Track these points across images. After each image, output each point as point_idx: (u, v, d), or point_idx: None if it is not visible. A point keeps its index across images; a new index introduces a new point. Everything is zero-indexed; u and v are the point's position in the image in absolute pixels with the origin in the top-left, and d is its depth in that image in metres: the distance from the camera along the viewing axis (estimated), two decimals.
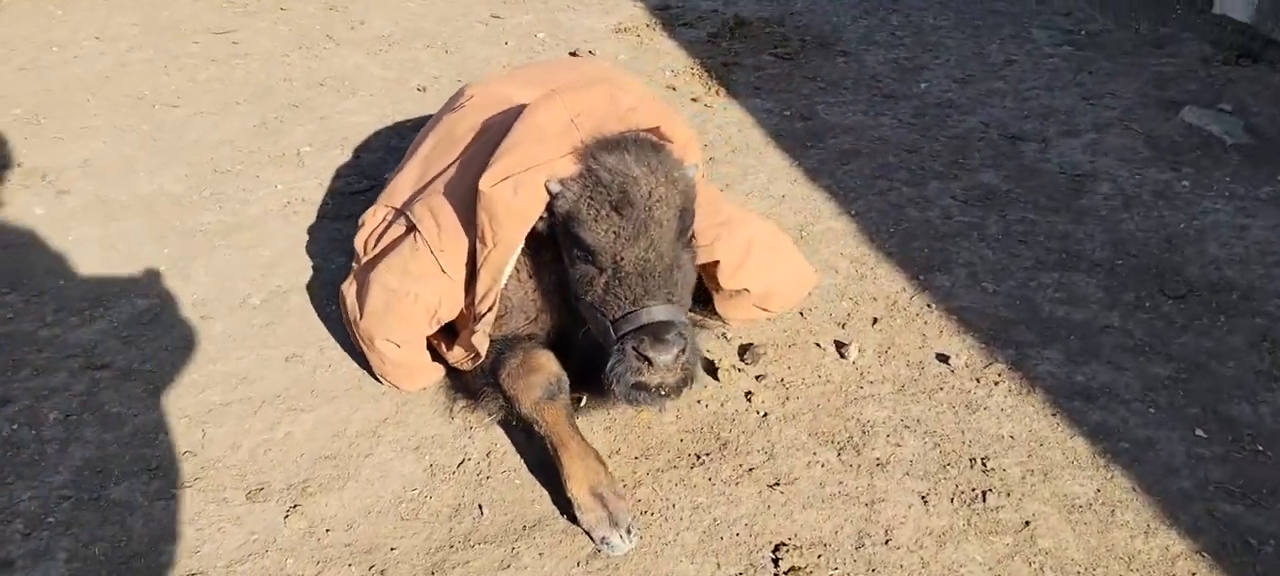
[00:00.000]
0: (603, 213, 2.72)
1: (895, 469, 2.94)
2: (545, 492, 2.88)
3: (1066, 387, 3.23)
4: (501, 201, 2.81)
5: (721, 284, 3.35)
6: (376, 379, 3.27)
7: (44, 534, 2.72)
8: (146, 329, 3.57)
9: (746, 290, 3.37)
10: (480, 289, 2.94)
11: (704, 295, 3.52)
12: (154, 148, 4.90)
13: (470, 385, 3.13)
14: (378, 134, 5.05)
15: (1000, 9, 6.55)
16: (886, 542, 2.70)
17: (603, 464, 2.80)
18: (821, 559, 2.66)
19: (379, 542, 2.72)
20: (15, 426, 3.11)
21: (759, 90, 5.51)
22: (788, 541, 2.71)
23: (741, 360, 3.41)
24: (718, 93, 5.47)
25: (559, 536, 2.74)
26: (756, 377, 3.34)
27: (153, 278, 3.86)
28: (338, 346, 3.46)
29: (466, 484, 2.93)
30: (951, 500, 2.83)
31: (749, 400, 3.23)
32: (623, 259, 2.70)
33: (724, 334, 3.54)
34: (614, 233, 2.71)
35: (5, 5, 6.68)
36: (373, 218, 3.40)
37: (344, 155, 4.86)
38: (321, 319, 3.62)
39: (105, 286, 3.79)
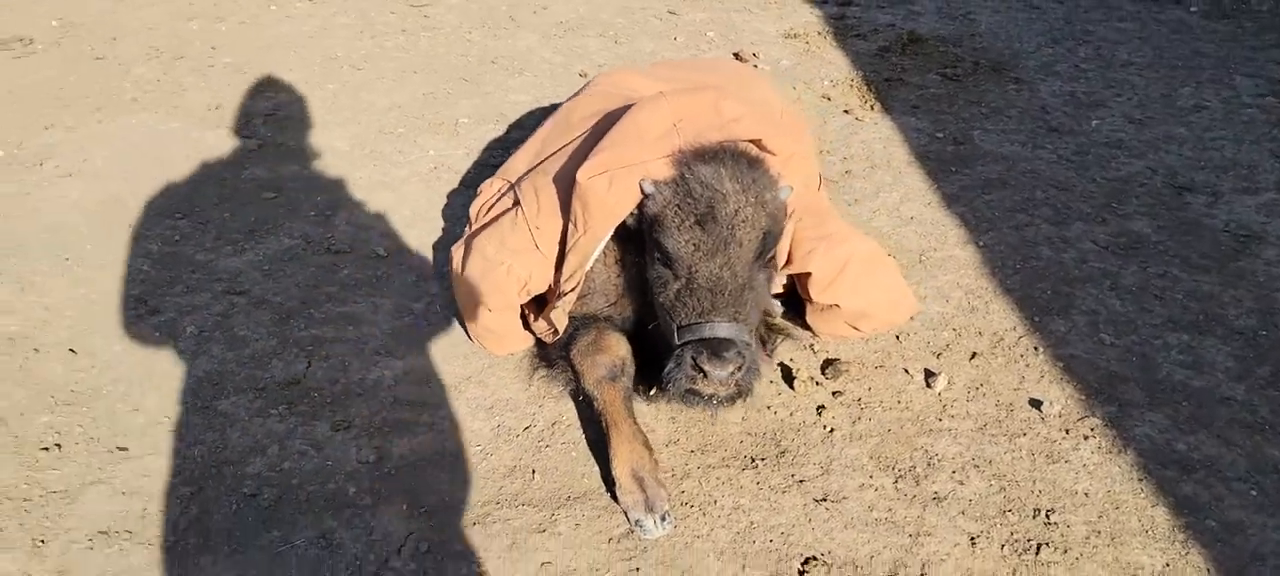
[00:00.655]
0: (687, 223, 2.80)
1: (951, 505, 2.87)
2: (596, 469, 3.00)
3: (1163, 454, 3.03)
4: (595, 194, 2.94)
5: (813, 297, 3.36)
6: (470, 339, 3.48)
7: (157, 430, 3.10)
8: (285, 265, 3.95)
9: (837, 306, 3.36)
10: (567, 270, 3.09)
11: (799, 304, 3.54)
12: (332, 105, 5.36)
13: (549, 357, 3.29)
14: (532, 113, 5.31)
15: (1206, 50, 6.07)
16: (920, 567, 2.65)
17: (649, 450, 2.88)
18: (822, 565, 2.65)
19: (435, 488, 2.93)
20: (157, 334, 3.53)
21: (916, 109, 5.39)
22: (819, 556, 2.71)
23: (822, 374, 3.40)
24: (872, 107, 5.39)
25: (598, 511, 2.86)
26: (833, 393, 3.32)
27: (302, 220, 4.26)
28: (441, 305, 3.71)
29: (526, 448, 3.09)
30: (1002, 547, 2.74)
31: (819, 414, 3.22)
32: (697, 271, 2.78)
33: (812, 346, 3.54)
34: (694, 245, 2.79)
35: None
36: (488, 188, 3.62)
37: (497, 130, 5.15)
38: (436, 277, 3.88)
39: (260, 223, 4.22)
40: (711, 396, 2.82)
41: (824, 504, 2.88)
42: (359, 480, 2.95)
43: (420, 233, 4.21)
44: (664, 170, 2.89)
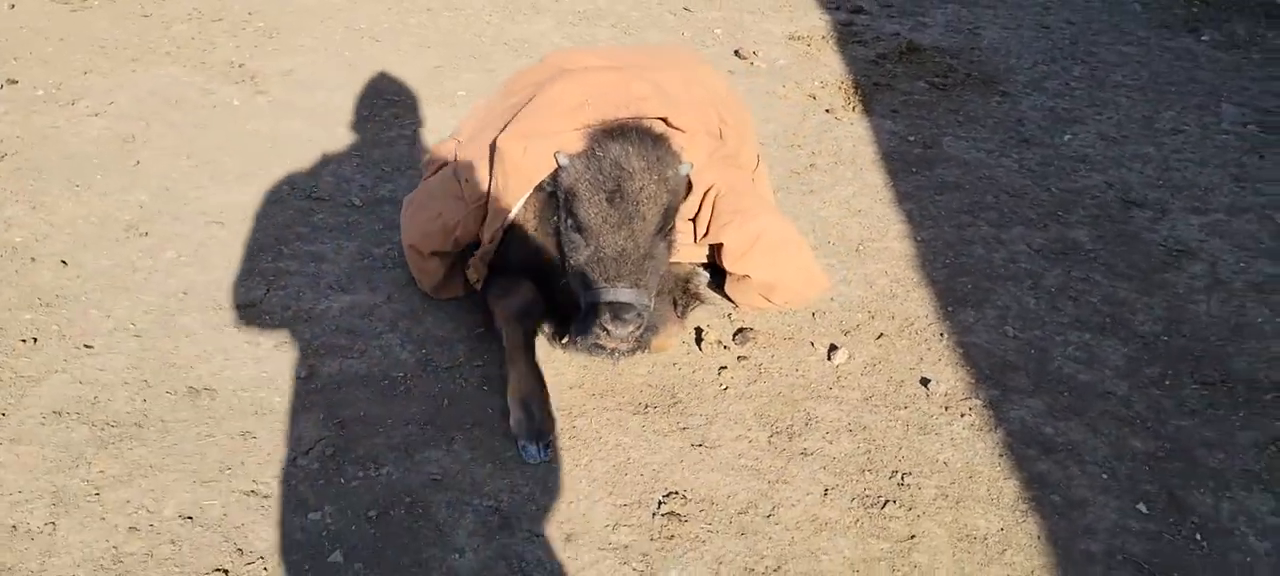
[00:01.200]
0: (597, 198, 3.08)
1: (815, 460, 3.11)
2: (501, 403, 3.30)
3: (1030, 435, 3.22)
4: (511, 158, 3.26)
5: (726, 266, 3.62)
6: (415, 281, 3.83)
7: (121, 334, 3.50)
8: (267, 206, 4.35)
9: (749, 277, 3.61)
10: (487, 224, 3.41)
11: (722, 275, 3.80)
12: (346, 71, 5.77)
13: (477, 302, 3.61)
14: None
15: (1202, 77, 6.14)
16: (768, 516, 2.90)
17: (541, 383, 3.18)
18: (701, 512, 2.91)
19: (352, 404, 3.27)
20: (140, 255, 3.95)
21: (896, 113, 5.59)
22: (680, 491, 2.97)
23: (732, 339, 3.65)
24: (854, 109, 5.61)
25: (494, 437, 3.17)
26: (738, 357, 3.57)
27: (290, 169, 4.65)
28: (400, 251, 4.05)
29: (444, 380, 3.41)
30: (852, 499, 2.97)
31: (719, 373, 3.48)
32: (604, 241, 3.06)
33: (729, 315, 3.79)
34: (603, 217, 3.07)
35: None
36: (440, 148, 3.96)
37: None
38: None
39: (253, 168, 4.63)
40: (613, 350, 3.10)
41: (699, 448, 3.14)
42: (286, 392, 3.30)
43: (396, 187, 4.57)
44: (577, 143, 3.18)
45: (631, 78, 3.38)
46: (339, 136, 5.02)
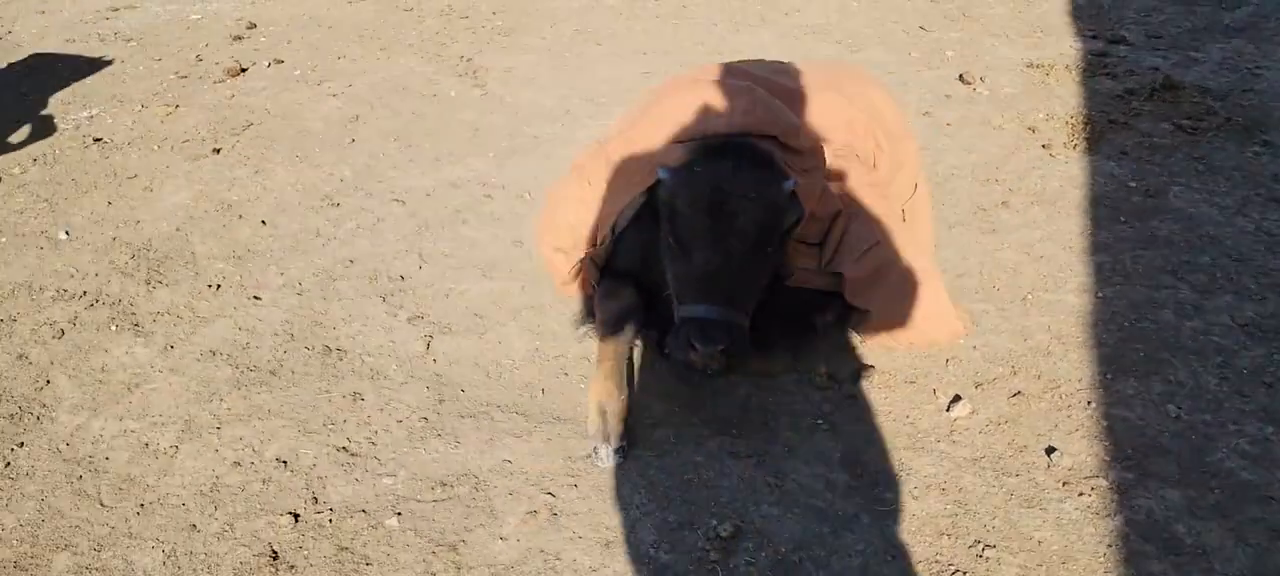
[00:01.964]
0: (689, 212, 3.07)
1: (891, 513, 2.91)
2: None
3: (1154, 531, 2.83)
4: (620, 167, 3.31)
5: (846, 296, 3.47)
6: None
7: (287, 292, 3.91)
8: (449, 191, 4.69)
9: (869, 313, 3.45)
10: (598, 229, 3.47)
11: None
12: (562, 71, 6.08)
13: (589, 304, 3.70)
14: None
15: None
16: (819, 563, 2.76)
17: (621, 390, 3.20)
18: (751, 545, 2.82)
19: (455, 383, 3.46)
20: (325, 222, 4.38)
21: (1124, 155, 5.06)
22: (736, 520, 2.89)
23: (847, 375, 3.49)
24: (1075, 146, 5.14)
25: (573, 435, 3.23)
26: (848, 395, 3.41)
27: (479, 156, 4.98)
28: None
29: (547, 373, 3.53)
30: (918, 561, 2.76)
31: (821, 408, 3.34)
32: (697, 258, 3.04)
33: (855, 349, 3.62)
34: (696, 233, 3.05)
35: None
36: (586, 148, 4.07)
37: None
38: None
39: (449, 154, 5.00)
40: (703, 368, 3.05)
41: (771, 480, 3.04)
42: (403, 361, 3.55)
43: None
44: (679, 156, 3.17)
45: (746, 94, 3.32)
46: (533, 131, 5.29)
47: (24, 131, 5.20)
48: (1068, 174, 4.89)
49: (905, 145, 3.92)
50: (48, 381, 3.44)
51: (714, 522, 2.89)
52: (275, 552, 2.79)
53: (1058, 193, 4.70)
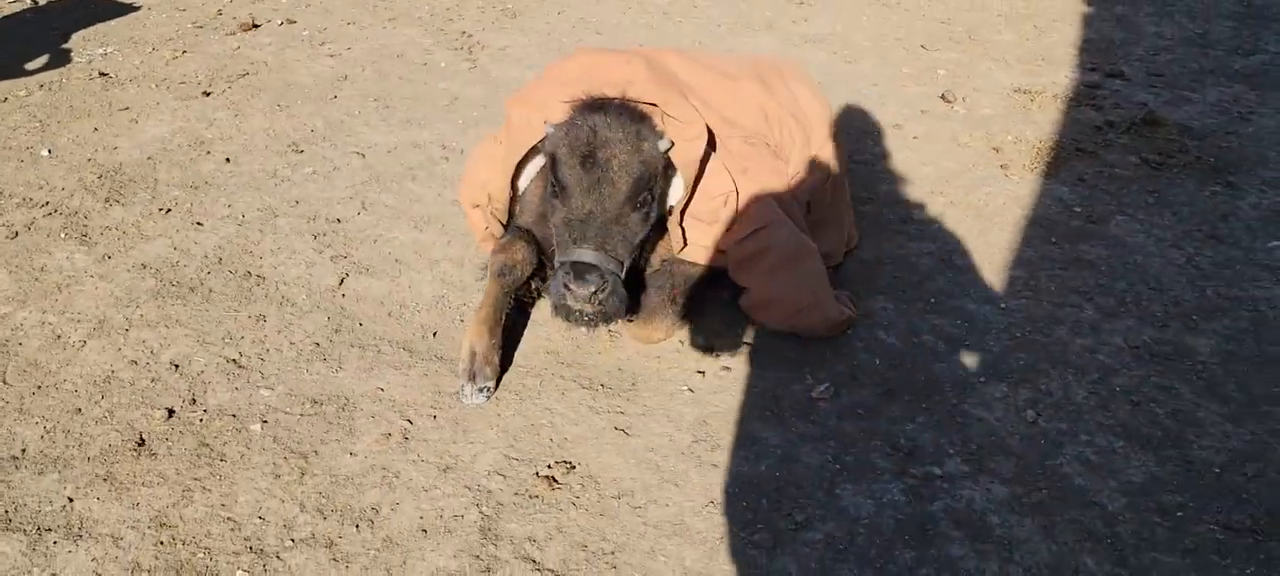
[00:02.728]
0: (572, 161, 3.28)
1: (720, 475, 3.06)
2: None
3: (966, 517, 2.93)
4: (513, 123, 3.55)
5: (729, 272, 3.63)
6: None
7: (228, 222, 4.20)
8: (409, 150, 4.94)
9: (748, 291, 3.60)
10: (494, 184, 3.69)
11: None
12: (552, 55, 6.32)
13: None
14: None
15: None
16: (637, 509, 2.92)
17: (493, 334, 3.40)
18: (579, 485, 3.00)
19: (359, 317, 3.70)
20: (289, 169, 4.67)
21: (1081, 182, 5.09)
22: (574, 463, 3.07)
23: (729, 350, 3.64)
24: (1032, 169, 5.19)
25: (448, 373, 3.44)
26: (723, 367, 3.56)
27: (451, 124, 5.23)
28: None
29: (444, 317, 3.76)
30: (728, 517, 2.90)
31: (692, 376, 3.50)
32: (575, 203, 3.26)
33: (756, 329, 3.75)
34: (575, 180, 3.27)
35: None
36: None
37: None
38: None
39: (424, 118, 5.26)
40: (579, 312, 3.25)
41: (619, 432, 3.20)
42: (315, 294, 3.81)
43: None
44: (564, 113, 3.38)
45: (640, 66, 3.50)
46: (500, 101, 5.53)
47: (40, 61, 5.62)
48: (1014, 194, 4.94)
49: (820, 139, 4.06)
50: None
51: (551, 462, 3.07)
52: (143, 440, 3.05)
53: (998, 209, 4.76)
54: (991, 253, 4.38)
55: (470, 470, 3.03)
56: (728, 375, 3.52)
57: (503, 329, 3.50)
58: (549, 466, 3.05)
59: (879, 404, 3.41)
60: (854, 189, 4.69)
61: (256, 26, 6.41)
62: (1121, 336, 3.81)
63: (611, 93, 3.41)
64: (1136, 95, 6.27)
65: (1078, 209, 4.82)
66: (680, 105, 3.47)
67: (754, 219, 3.62)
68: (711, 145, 3.69)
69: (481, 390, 3.30)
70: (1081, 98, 6.19)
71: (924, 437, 3.24)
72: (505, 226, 3.78)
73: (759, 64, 4.29)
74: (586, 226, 3.22)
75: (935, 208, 4.76)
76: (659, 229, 3.57)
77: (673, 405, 3.35)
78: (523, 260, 3.61)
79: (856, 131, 5.55)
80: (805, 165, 4.01)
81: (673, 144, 3.36)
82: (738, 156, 3.77)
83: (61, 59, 5.67)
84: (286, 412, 3.20)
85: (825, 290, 3.64)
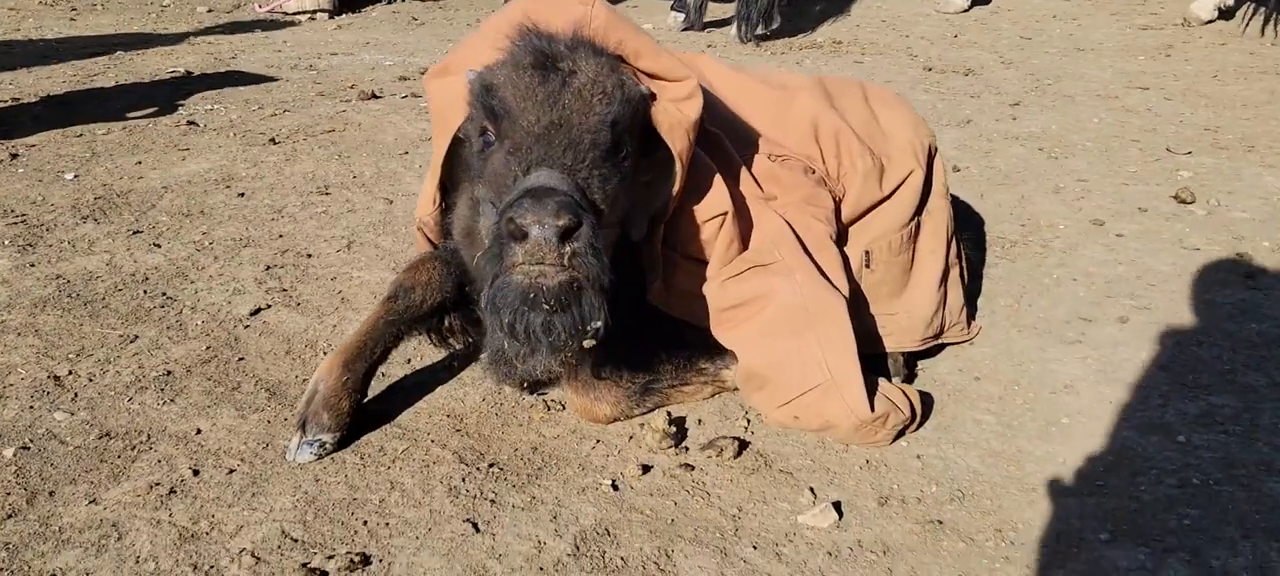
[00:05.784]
0: (519, 74, 2.30)
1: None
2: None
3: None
4: (433, 101, 2.68)
5: (711, 324, 2.54)
6: None
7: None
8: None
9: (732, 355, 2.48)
10: (426, 190, 2.80)
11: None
12: None
13: None
14: None
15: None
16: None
17: (348, 372, 2.49)
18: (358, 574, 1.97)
19: (252, 353, 2.96)
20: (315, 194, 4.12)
21: None
22: (372, 557, 2.06)
23: (706, 445, 2.50)
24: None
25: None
26: (682, 465, 2.43)
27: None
28: None
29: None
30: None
31: (636, 472, 2.39)
32: (529, 119, 2.23)
33: (748, 420, 2.62)
34: (526, 91, 2.26)
35: None
36: None
37: None
38: None
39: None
40: (537, 279, 2.01)
41: (472, 526, 2.15)
42: (215, 322, 3.11)
43: None
44: (496, 55, 2.43)
45: (587, 2, 2.51)
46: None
47: (145, 111, 5.54)
48: (1253, 303, 3.41)
49: (903, 171, 2.90)
50: None
51: (342, 552, 2.06)
52: None
53: (1220, 319, 3.27)
54: (1189, 367, 2.92)
55: (218, 545, 2.08)
56: (684, 476, 2.36)
57: (376, 368, 2.57)
58: (331, 557, 2.03)
59: (896, 546, 2.11)
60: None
61: (376, 97, 6.10)
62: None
63: (560, 33, 2.41)
64: None
65: None
66: (662, 58, 2.47)
67: (752, 255, 2.52)
68: (712, 146, 2.67)
69: (310, 443, 2.38)
70: None
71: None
72: (435, 247, 2.88)
73: (832, 80, 3.23)
74: (548, 144, 2.16)
75: (1112, 311, 3.35)
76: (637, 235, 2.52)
77: (574, 503, 2.25)
78: (427, 283, 2.69)
79: (1021, 223, 4.22)
80: (869, 203, 2.85)
81: (655, 96, 2.36)
82: (758, 176, 2.71)
83: (167, 110, 5.56)
84: (62, 442, 2.43)
85: (852, 370, 2.40)
